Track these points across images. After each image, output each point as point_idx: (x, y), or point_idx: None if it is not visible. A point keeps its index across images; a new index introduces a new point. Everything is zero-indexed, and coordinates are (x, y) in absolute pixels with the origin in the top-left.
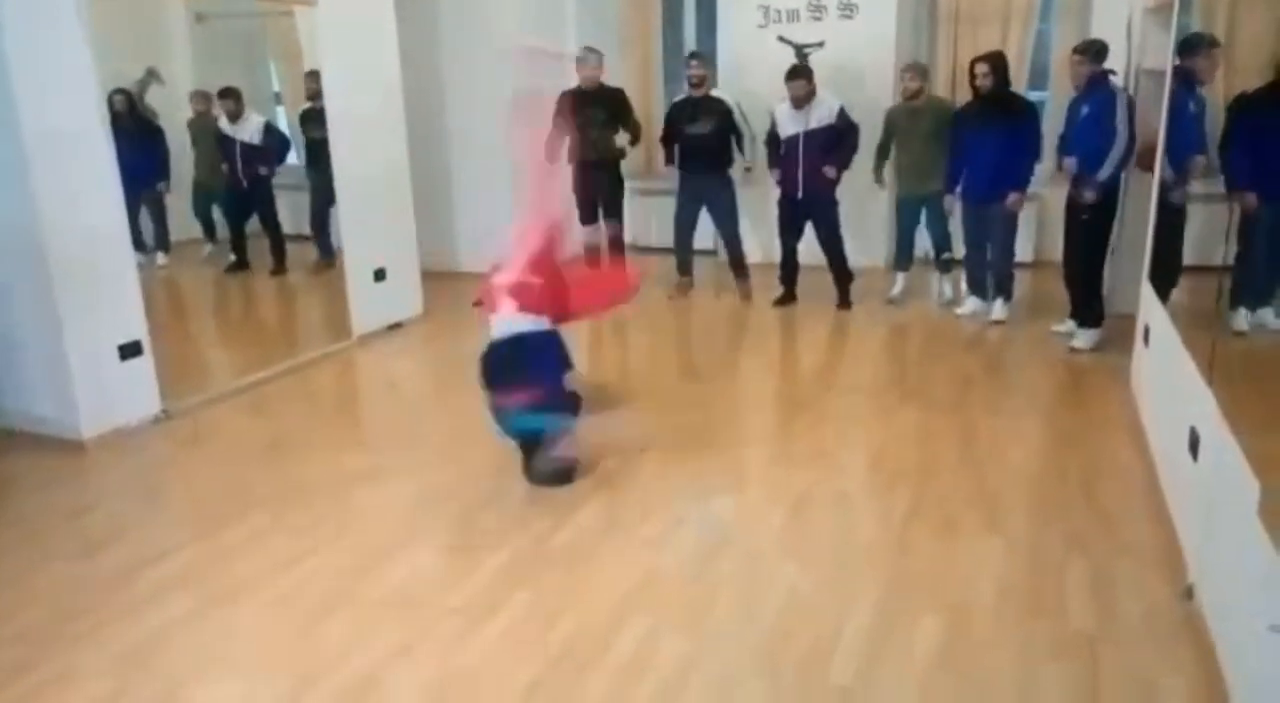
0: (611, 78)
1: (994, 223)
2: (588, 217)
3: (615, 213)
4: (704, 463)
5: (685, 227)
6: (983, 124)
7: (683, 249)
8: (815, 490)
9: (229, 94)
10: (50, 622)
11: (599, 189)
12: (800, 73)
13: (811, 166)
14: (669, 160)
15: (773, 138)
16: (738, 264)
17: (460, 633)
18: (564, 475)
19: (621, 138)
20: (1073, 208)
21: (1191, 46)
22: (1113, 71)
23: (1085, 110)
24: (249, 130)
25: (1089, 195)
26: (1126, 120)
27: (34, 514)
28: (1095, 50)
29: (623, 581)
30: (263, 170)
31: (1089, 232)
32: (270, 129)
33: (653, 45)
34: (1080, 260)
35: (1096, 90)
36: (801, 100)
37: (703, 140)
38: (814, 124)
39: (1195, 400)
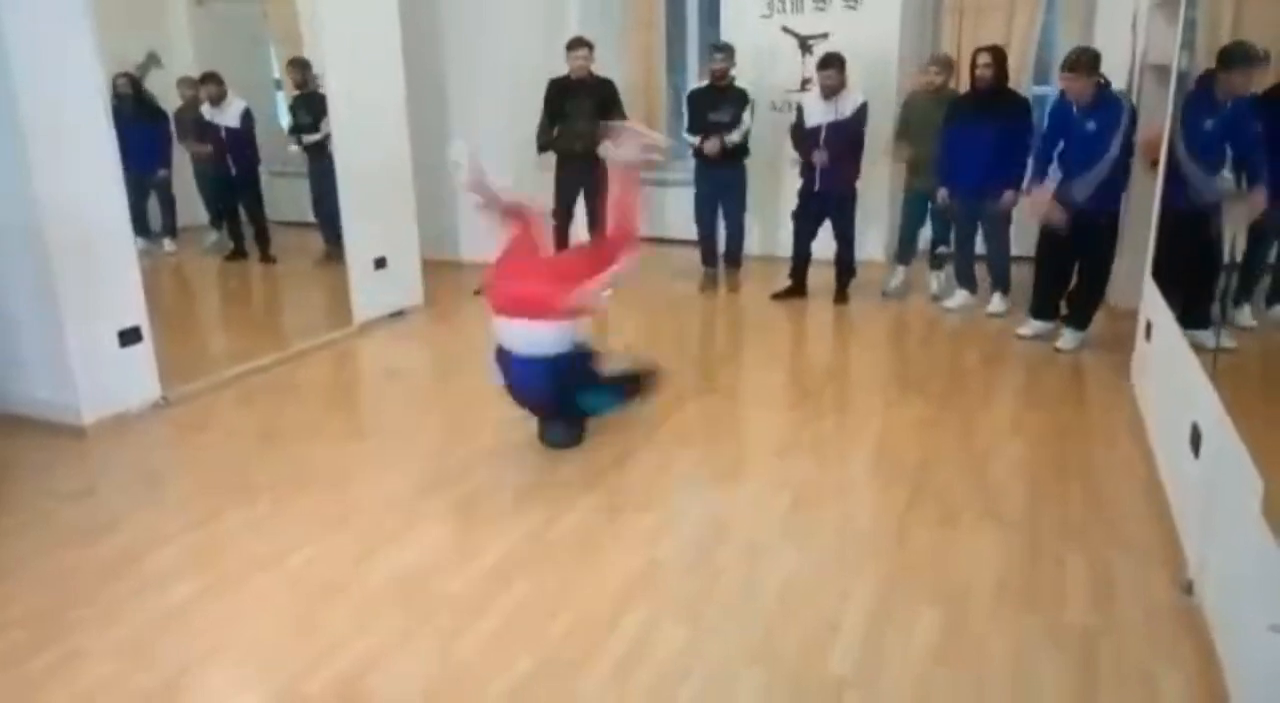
0: (613, 67)
1: (985, 217)
2: (566, 209)
3: (599, 209)
4: (704, 453)
5: (708, 218)
6: (976, 118)
7: (708, 240)
8: (815, 482)
9: (210, 78)
10: (51, 607)
11: (582, 182)
12: (832, 62)
13: (831, 159)
14: (698, 151)
15: (798, 130)
16: (734, 255)
17: (459, 622)
18: (575, 439)
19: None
20: (1081, 214)
21: (1233, 58)
22: (1107, 79)
23: (1091, 126)
24: (230, 115)
25: (1058, 217)
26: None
27: (35, 499)
28: (1091, 57)
29: (622, 570)
30: (245, 155)
31: (1107, 236)
32: (248, 115)
33: (655, 34)
34: (1097, 265)
35: (1105, 104)
36: (831, 90)
37: (723, 129)
38: (839, 116)
39: (1197, 396)
